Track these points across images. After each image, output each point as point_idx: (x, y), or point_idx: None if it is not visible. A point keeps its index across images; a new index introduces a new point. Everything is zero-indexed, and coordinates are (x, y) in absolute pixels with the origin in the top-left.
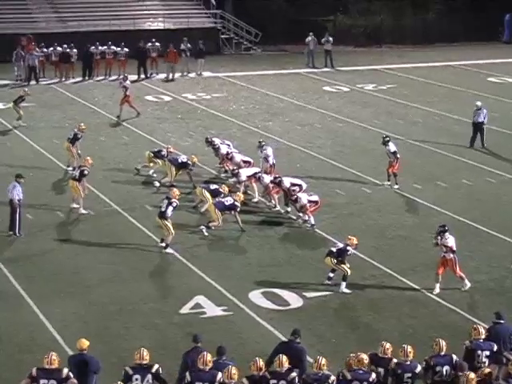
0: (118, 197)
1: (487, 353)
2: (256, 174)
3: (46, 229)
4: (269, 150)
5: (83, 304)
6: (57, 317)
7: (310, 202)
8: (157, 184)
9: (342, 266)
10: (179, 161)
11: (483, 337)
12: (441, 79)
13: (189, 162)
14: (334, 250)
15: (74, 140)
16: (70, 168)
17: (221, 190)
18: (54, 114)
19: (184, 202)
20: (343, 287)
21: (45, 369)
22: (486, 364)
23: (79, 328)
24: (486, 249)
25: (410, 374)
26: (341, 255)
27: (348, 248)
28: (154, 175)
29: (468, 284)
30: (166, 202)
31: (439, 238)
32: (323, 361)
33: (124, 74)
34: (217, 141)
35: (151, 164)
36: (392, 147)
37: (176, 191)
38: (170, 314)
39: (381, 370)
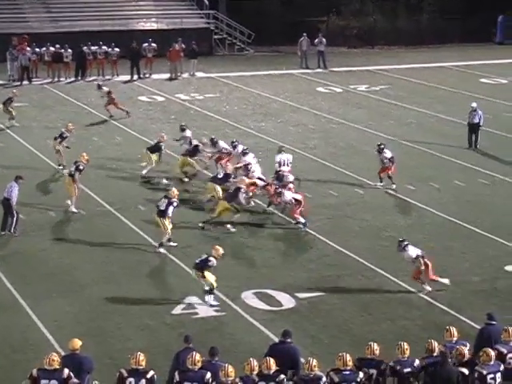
0: (110, 197)
1: None
2: (247, 166)
3: (39, 229)
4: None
5: (76, 304)
6: (49, 317)
7: (294, 199)
8: (165, 181)
9: (206, 278)
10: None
11: (455, 338)
12: (434, 80)
13: (199, 144)
14: (197, 261)
15: (59, 138)
16: (61, 167)
17: (229, 172)
18: (47, 114)
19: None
20: (211, 299)
21: (45, 369)
22: None
23: (72, 328)
24: (479, 250)
25: (409, 369)
26: (202, 266)
27: (210, 259)
28: (165, 181)
29: (428, 288)
30: (165, 201)
31: (403, 254)
32: (314, 362)
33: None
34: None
35: (149, 160)
36: (388, 153)
37: (175, 190)
38: (162, 314)
39: (373, 371)
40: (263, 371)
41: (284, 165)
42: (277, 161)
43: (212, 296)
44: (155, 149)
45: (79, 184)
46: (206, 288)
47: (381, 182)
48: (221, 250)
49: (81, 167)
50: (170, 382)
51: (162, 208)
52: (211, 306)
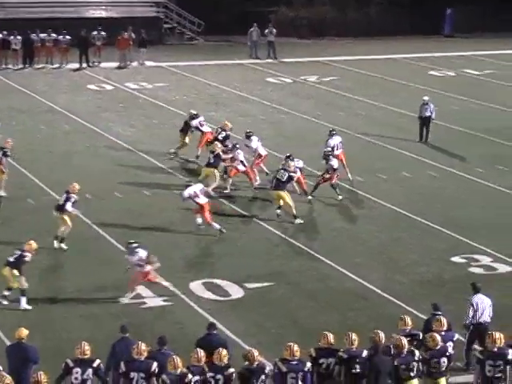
0: (59, 187)
1: (414, 343)
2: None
3: None
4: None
5: None
6: None
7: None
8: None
9: (20, 277)
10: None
11: (409, 328)
12: (383, 72)
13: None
14: (11, 259)
15: None
16: None
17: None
18: None
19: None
20: (24, 303)
21: None
22: None
23: (17, 318)
24: (426, 241)
25: (357, 359)
26: (18, 263)
27: (26, 254)
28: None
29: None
30: (64, 196)
31: (129, 258)
32: (256, 352)
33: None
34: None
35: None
36: (335, 163)
37: (76, 185)
38: (109, 304)
39: (331, 360)
40: (215, 362)
41: (338, 149)
42: (330, 146)
43: (25, 299)
44: (185, 129)
45: (5, 168)
46: (6, 291)
47: (313, 191)
48: (34, 245)
49: (8, 153)
50: (107, 372)
51: (61, 203)
52: (25, 309)
